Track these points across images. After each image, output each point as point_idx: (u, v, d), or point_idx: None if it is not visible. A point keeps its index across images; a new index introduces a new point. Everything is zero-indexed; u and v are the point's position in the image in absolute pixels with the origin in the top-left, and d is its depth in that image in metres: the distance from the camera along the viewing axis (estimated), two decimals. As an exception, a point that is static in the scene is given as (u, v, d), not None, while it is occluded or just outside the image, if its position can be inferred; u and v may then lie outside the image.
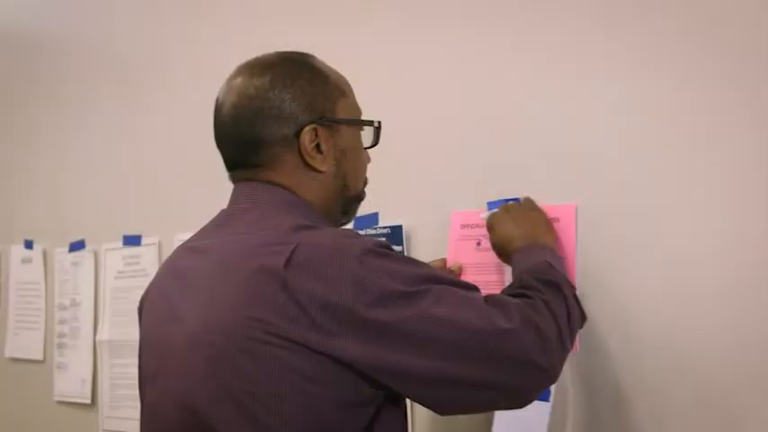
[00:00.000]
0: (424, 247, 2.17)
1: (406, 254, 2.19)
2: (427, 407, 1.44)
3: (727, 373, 1.68)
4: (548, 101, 1.97)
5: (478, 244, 2.03)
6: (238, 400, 1.34)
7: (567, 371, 1.85)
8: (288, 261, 1.33)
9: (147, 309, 1.62)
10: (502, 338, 1.38)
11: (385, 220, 2.24)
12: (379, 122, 1.64)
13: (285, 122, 1.50)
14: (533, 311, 1.46)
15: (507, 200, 1.95)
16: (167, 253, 2.79)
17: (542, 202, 1.92)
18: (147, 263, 2.91)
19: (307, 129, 1.51)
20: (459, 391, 1.40)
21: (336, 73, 1.60)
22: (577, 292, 1.64)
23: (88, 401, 3.16)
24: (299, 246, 1.35)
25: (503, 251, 1.83)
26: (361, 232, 2.23)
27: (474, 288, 1.46)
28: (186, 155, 2.83)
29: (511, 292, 1.56)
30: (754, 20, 1.65)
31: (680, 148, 1.74)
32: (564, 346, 1.50)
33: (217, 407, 1.36)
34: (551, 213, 1.92)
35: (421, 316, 1.34)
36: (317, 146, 1.52)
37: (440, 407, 1.44)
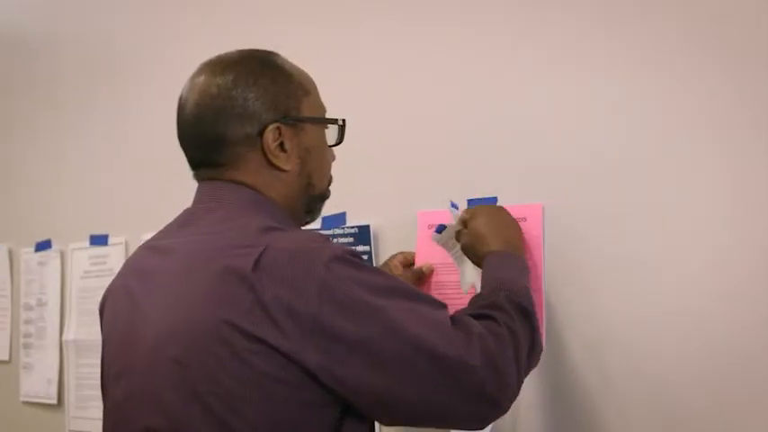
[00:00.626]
0: (392, 247, 2.16)
1: (373, 254, 2.20)
2: (377, 420, 1.45)
3: (706, 391, 1.69)
4: (521, 102, 1.98)
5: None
6: (206, 401, 1.34)
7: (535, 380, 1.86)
8: (256, 263, 1.33)
9: (110, 308, 1.60)
10: (461, 370, 1.37)
11: (352, 220, 2.24)
12: (344, 120, 1.63)
13: (248, 121, 1.49)
14: (497, 343, 1.43)
15: (485, 199, 1.95)
16: (134, 253, 2.81)
17: (513, 202, 1.93)
18: (114, 262, 2.90)
19: (270, 128, 1.50)
20: (411, 411, 1.39)
21: (300, 71, 1.59)
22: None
23: (54, 402, 3.14)
24: (267, 248, 1.34)
25: (474, 249, 1.80)
26: (328, 232, 2.23)
27: (441, 306, 1.44)
28: (153, 155, 2.82)
29: (480, 309, 1.53)
30: (754, 20, 1.65)
31: (680, 150, 1.73)
32: (520, 380, 1.49)
33: (184, 407, 1.36)
34: (518, 213, 1.93)
35: (384, 332, 1.33)
36: (281, 144, 1.51)
37: (390, 422, 1.45)
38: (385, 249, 2.19)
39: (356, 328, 1.32)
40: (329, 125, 1.62)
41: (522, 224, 1.92)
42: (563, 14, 1.92)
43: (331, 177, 1.65)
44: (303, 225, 1.62)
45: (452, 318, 1.43)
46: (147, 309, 1.46)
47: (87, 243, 3.01)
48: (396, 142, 2.20)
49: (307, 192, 1.57)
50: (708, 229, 1.70)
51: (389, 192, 2.20)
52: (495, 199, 1.95)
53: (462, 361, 1.37)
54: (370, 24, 2.30)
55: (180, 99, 1.56)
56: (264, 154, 1.51)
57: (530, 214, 1.93)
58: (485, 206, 1.90)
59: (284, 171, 1.53)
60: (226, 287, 1.34)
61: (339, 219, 2.24)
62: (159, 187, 2.77)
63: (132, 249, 2.79)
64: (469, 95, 2.07)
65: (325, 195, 1.64)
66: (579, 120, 1.89)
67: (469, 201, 2.01)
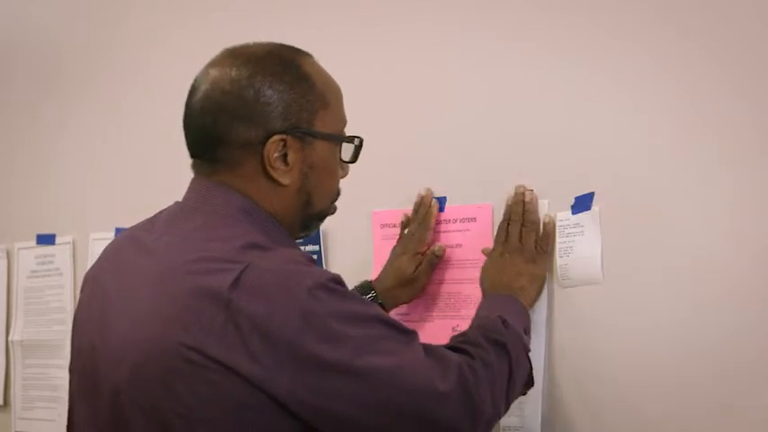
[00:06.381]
0: (342, 248, 2.17)
1: (323, 254, 2.20)
2: None
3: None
4: (483, 103, 1.98)
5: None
6: (168, 422, 1.31)
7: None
8: (235, 281, 1.28)
9: (83, 297, 1.55)
10: (434, 401, 1.36)
11: (303, 220, 2.23)
12: (361, 140, 1.56)
13: (253, 126, 1.41)
14: (471, 375, 1.42)
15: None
16: (82, 252, 2.78)
17: (465, 202, 1.94)
18: (61, 262, 2.86)
19: (274, 138, 1.41)
20: None
21: (326, 80, 1.51)
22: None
23: (0, 403, 3.10)
24: (249, 266, 1.30)
25: (480, 284, 1.83)
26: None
27: (413, 333, 1.42)
28: (102, 153, 2.79)
29: (457, 344, 1.51)
30: (756, 25, 1.64)
31: (685, 158, 1.71)
32: (497, 412, 1.48)
33: (144, 424, 1.33)
34: (467, 213, 1.95)
35: (361, 362, 1.31)
36: (284, 156, 1.43)
37: None
38: (335, 250, 2.19)
39: (333, 356, 1.29)
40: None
41: (471, 224, 1.94)
42: (551, 13, 1.89)
43: (338, 193, 1.59)
44: (297, 239, 1.57)
45: (426, 347, 1.41)
46: (115, 313, 1.42)
47: (34, 242, 2.98)
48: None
49: (304, 209, 1.50)
50: (711, 232, 1.68)
51: (341, 191, 2.19)
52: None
53: (436, 392, 1.36)
54: (325, 27, 2.29)
55: (193, 83, 1.48)
56: (263, 164, 1.43)
57: (479, 214, 1.95)
58: (503, 248, 1.83)
59: (281, 185, 1.45)
60: (197, 305, 1.29)
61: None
62: (107, 187, 2.74)
63: (80, 249, 2.79)
64: (428, 95, 2.07)
65: (323, 214, 1.57)
66: (567, 124, 1.86)
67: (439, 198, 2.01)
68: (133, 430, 1.35)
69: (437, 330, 1.95)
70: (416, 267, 1.93)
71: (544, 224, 1.84)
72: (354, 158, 1.56)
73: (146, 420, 1.33)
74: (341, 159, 1.55)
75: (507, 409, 1.54)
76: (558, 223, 1.85)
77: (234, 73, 1.43)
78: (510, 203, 1.85)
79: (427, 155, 2.05)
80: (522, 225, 1.82)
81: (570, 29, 1.85)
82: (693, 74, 1.71)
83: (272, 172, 1.43)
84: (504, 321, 1.60)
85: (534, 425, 1.85)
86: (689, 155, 1.71)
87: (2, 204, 3.18)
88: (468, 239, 1.96)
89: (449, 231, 1.99)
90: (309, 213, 1.52)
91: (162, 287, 1.35)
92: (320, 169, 1.49)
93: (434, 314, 1.99)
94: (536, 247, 1.82)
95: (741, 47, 1.66)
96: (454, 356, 1.43)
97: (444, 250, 1.95)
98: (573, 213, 1.82)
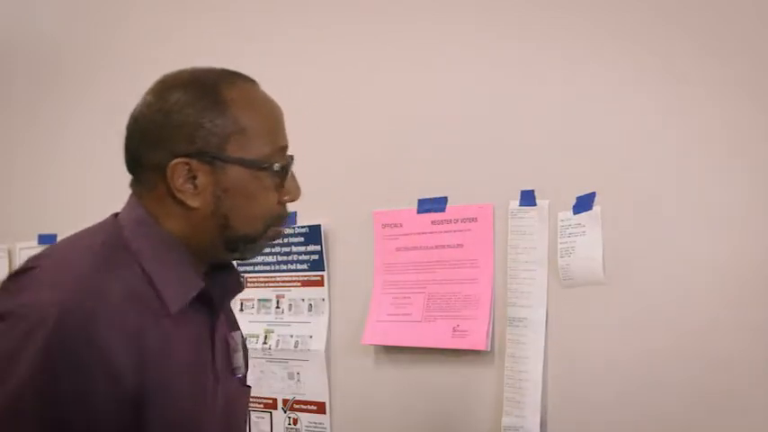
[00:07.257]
0: (343, 248, 2.16)
1: (324, 254, 2.20)
2: None
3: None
4: (489, 101, 1.99)
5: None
6: None
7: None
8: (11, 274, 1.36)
9: None
10: None
11: (303, 220, 2.23)
12: (282, 165, 1.46)
13: (161, 149, 1.40)
14: None
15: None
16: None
17: (466, 202, 1.95)
18: (63, 262, 2.87)
19: (175, 161, 1.39)
20: None
21: (250, 106, 1.45)
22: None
23: None
24: (37, 267, 1.35)
25: None
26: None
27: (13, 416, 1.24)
28: (102, 153, 2.79)
29: None
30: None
31: (686, 158, 1.72)
32: None
33: None
34: (468, 213, 1.94)
35: None
36: (194, 179, 1.40)
37: None
38: (336, 249, 2.18)
39: None
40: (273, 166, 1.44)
41: (471, 224, 1.94)
42: (551, 13, 1.90)
43: (279, 216, 1.50)
44: (233, 260, 1.53)
45: None
46: None
47: (35, 242, 2.98)
48: (348, 140, 2.19)
49: (222, 232, 1.44)
50: (713, 240, 1.69)
51: (342, 191, 2.19)
52: (443, 200, 1.94)
53: None
54: (326, 26, 2.29)
55: None
56: (168, 186, 1.40)
57: (480, 214, 1.95)
58: None
59: (192, 208, 1.41)
60: None
61: (289, 219, 2.22)
62: (107, 187, 2.73)
63: (80, 249, 2.79)
64: (428, 95, 2.07)
65: (252, 237, 1.48)
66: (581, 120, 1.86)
67: (420, 200, 2.02)
68: None
69: (437, 330, 1.96)
70: None
71: None
72: (279, 184, 1.47)
73: None
74: (281, 183, 1.47)
75: None
76: (559, 223, 1.86)
77: (153, 98, 1.44)
78: None
79: (428, 155, 2.05)
80: None
81: (570, 29, 1.85)
82: (694, 74, 1.71)
83: (178, 195, 1.40)
84: None
85: (534, 425, 1.85)
86: (689, 155, 1.71)
87: (3, 204, 3.18)
88: (469, 239, 1.96)
89: (449, 231, 1.99)
90: (230, 236, 1.45)
91: None
92: (237, 194, 1.43)
93: (434, 314, 1.99)
94: None
95: (741, 47, 1.66)
96: None
97: None
98: (574, 213, 1.82)
